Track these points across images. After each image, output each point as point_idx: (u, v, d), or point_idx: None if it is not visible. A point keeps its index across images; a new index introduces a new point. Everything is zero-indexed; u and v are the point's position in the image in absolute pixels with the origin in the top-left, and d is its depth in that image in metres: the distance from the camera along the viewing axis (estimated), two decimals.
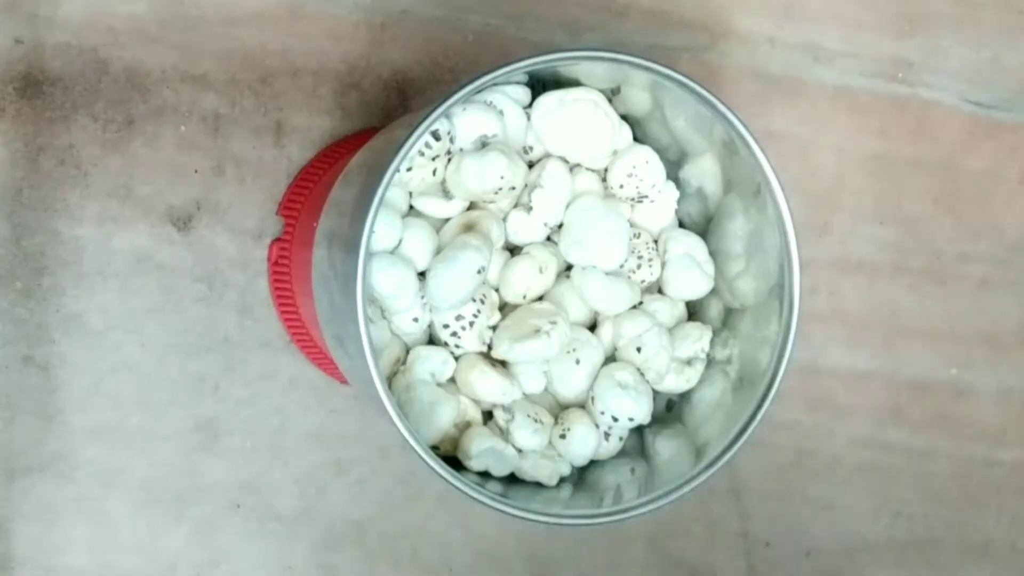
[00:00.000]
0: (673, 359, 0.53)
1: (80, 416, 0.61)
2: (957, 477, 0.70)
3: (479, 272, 0.49)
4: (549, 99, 0.51)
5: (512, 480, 0.52)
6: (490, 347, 0.51)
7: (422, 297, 0.50)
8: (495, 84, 0.50)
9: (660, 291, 0.55)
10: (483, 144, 0.50)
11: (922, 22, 0.68)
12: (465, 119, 0.50)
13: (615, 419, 0.51)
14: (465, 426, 0.52)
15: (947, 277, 0.69)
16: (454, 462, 0.51)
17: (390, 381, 0.51)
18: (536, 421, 0.51)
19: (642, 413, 0.51)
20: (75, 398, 0.61)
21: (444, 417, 0.50)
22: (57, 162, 0.61)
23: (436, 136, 0.49)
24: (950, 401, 0.70)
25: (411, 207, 0.51)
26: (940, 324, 0.69)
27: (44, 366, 0.61)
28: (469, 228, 0.51)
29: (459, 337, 0.51)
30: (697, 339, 0.53)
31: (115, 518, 0.62)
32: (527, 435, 0.51)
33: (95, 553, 0.62)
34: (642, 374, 0.52)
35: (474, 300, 0.51)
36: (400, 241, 0.50)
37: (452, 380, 0.52)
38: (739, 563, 0.68)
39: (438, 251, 0.51)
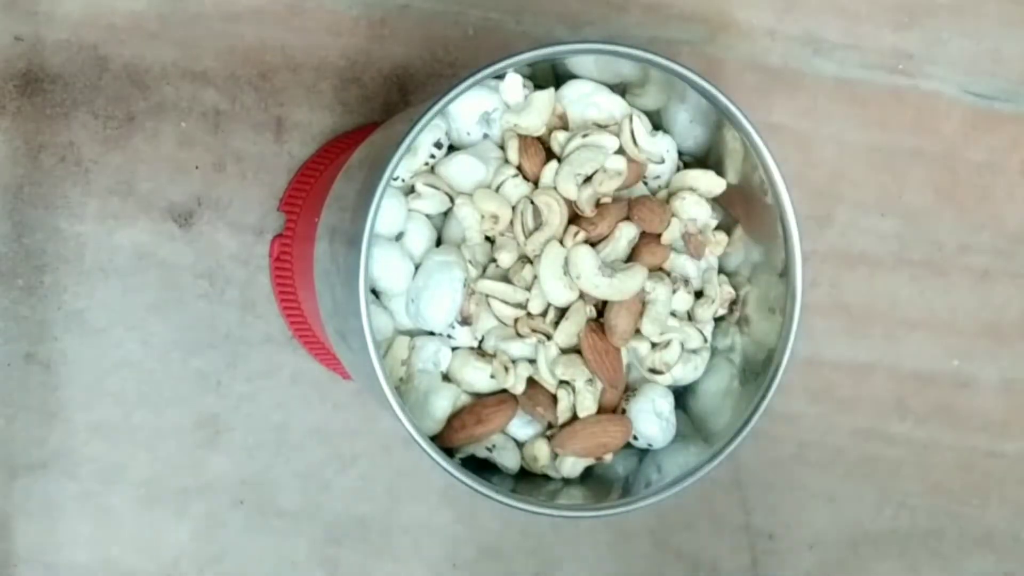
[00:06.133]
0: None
1: (82, 413, 0.61)
2: (959, 469, 0.70)
3: (464, 285, 0.49)
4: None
5: (516, 473, 0.52)
6: (481, 341, 0.52)
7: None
8: (495, 77, 0.50)
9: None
10: (487, 120, 0.50)
11: (922, 13, 0.68)
12: (464, 101, 0.50)
13: (635, 437, 0.52)
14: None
15: (948, 269, 0.69)
16: (454, 455, 0.51)
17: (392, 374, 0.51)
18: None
19: (663, 441, 0.52)
20: (77, 395, 0.61)
21: (442, 406, 0.50)
22: (58, 159, 0.61)
23: (439, 145, 0.50)
24: (952, 393, 0.70)
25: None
26: (942, 316, 0.69)
27: (46, 363, 0.61)
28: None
29: (453, 328, 0.51)
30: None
31: (117, 515, 0.62)
32: (520, 424, 0.51)
33: (97, 550, 0.62)
34: (674, 399, 0.53)
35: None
36: (403, 232, 0.50)
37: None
38: (742, 556, 0.68)
39: (437, 242, 0.51)
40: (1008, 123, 0.70)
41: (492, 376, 0.50)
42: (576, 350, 0.51)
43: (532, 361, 0.51)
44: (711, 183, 0.52)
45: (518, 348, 0.51)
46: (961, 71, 0.69)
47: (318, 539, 0.64)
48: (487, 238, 0.51)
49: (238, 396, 0.63)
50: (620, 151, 0.51)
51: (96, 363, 0.61)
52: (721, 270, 0.54)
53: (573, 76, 0.52)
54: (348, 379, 0.63)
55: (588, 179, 0.50)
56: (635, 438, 0.52)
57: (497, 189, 0.50)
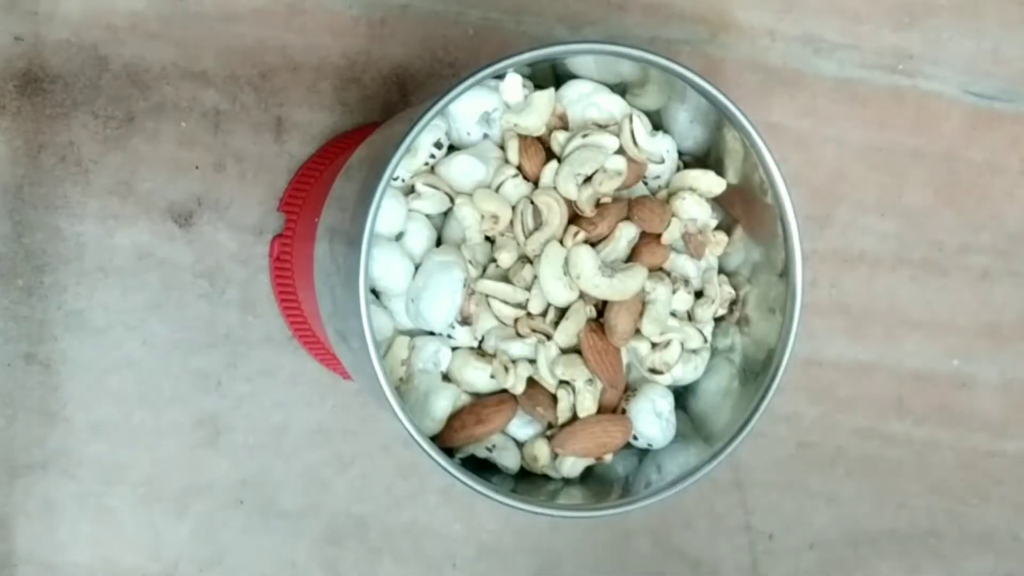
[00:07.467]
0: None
1: (82, 413, 0.61)
2: (959, 468, 0.70)
3: (464, 285, 0.49)
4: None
5: (516, 473, 0.52)
6: (481, 341, 0.52)
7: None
8: (495, 77, 0.50)
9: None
10: (487, 120, 0.50)
11: (922, 13, 0.68)
12: (464, 101, 0.50)
13: (635, 437, 0.52)
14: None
15: (948, 268, 0.69)
16: (454, 455, 0.51)
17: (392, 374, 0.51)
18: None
19: (663, 441, 0.52)
20: (77, 395, 0.61)
21: (442, 406, 0.50)
22: (58, 159, 0.61)
23: (439, 145, 0.50)
24: (952, 392, 0.70)
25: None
26: (942, 315, 0.69)
27: (46, 363, 0.61)
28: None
29: (453, 328, 0.51)
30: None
31: (118, 515, 0.62)
32: (520, 424, 0.51)
33: (98, 550, 0.62)
34: (674, 399, 0.52)
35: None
36: (403, 232, 0.50)
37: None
38: (742, 556, 0.68)
39: (437, 242, 0.51)
40: (1008, 123, 0.70)
41: (492, 376, 0.50)
42: (576, 350, 0.51)
43: (532, 361, 0.51)
44: (711, 183, 0.52)
45: (518, 348, 0.51)
46: (961, 71, 0.69)
47: (318, 539, 0.64)
48: (487, 238, 0.51)
49: (238, 396, 0.63)
50: (620, 151, 0.51)
51: (96, 363, 0.61)
52: (721, 270, 0.54)
53: (573, 76, 0.52)
54: (348, 379, 0.63)
55: (588, 179, 0.50)
56: (635, 438, 0.52)
57: (497, 189, 0.50)
